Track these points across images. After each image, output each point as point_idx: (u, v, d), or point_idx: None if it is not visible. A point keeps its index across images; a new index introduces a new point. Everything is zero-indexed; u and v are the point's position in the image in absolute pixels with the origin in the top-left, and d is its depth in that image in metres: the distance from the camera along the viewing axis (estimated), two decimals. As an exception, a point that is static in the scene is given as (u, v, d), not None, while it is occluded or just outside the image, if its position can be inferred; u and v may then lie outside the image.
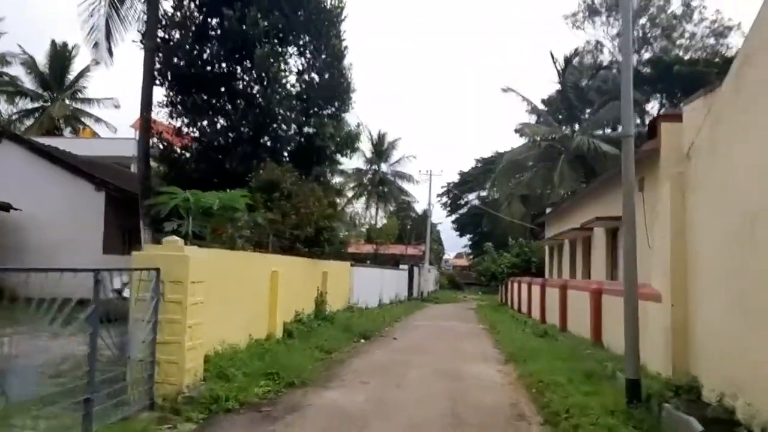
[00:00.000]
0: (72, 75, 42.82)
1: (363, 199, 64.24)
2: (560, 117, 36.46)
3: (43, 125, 41.05)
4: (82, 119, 43.93)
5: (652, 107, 41.61)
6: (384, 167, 69.63)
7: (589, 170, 35.23)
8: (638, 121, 39.87)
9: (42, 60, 41.17)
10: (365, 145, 69.45)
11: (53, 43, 41.36)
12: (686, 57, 40.76)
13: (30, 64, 41.20)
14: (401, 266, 35.22)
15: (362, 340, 14.47)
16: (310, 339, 12.72)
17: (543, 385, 9.15)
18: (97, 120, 43.98)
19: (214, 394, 7.70)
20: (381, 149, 68.64)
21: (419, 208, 63.87)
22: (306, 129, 18.06)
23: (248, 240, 11.23)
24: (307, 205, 14.77)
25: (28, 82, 42.00)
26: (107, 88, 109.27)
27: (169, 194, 10.42)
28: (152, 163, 17.59)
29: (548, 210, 31.75)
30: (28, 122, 41.89)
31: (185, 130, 17.20)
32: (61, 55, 41.93)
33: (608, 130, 36.39)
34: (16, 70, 41.26)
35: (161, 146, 17.40)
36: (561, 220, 27.73)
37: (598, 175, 29.91)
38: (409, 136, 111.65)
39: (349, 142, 18.62)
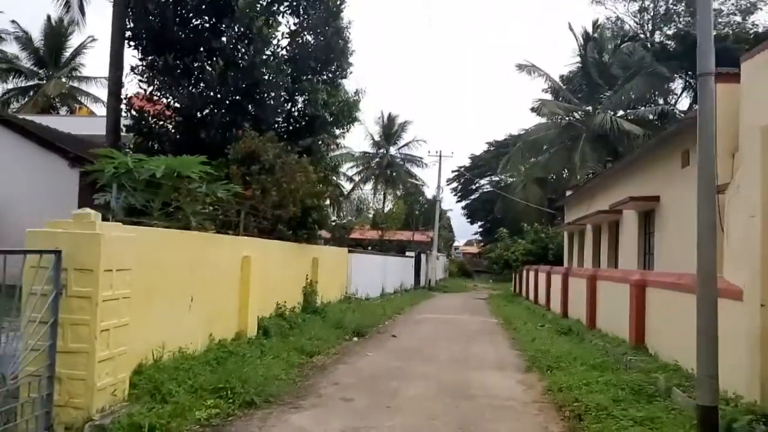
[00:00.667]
0: (68, 52, 40.82)
1: (371, 184, 62.14)
2: (580, 95, 33.82)
3: (38, 104, 39.13)
4: (79, 98, 41.96)
5: (676, 86, 38.85)
6: (393, 150, 67.35)
7: (611, 151, 32.72)
8: (661, 100, 37.24)
9: (37, 36, 39.20)
10: (373, 128, 67.42)
11: (48, 18, 39.24)
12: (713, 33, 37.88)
13: (24, 41, 39.23)
14: (407, 253, 33.02)
15: (355, 338, 12.32)
16: (291, 338, 10.59)
17: (580, 407, 6.95)
18: (95, 99, 41.97)
19: (135, 422, 5.59)
20: (390, 132, 66.23)
21: (428, 193, 61.60)
22: (297, 96, 15.85)
23: (211, 218, 9.05)
24: (292, 180, 12.57)
25: (23, 60, 40.12)
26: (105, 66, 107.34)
27: (106, 159, 8.27)
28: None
29: (568, 193, 29.36)
30: (24, 101, 40.04)
31: (159, 96, 14.98)
32: (56, 32, 39.74)
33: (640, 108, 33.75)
34: (11, 48, 39.36)
35: (132, 114, 15.22)
36: (583, 203, 25.34)
37: (621, 156, 27.45)
38: (419, 119, 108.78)
39: (346, 111, 16.37)
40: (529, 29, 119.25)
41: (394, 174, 65.35)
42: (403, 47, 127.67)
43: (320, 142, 16.28)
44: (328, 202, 16.98)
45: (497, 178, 65.48)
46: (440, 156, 37.70)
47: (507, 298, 29.59)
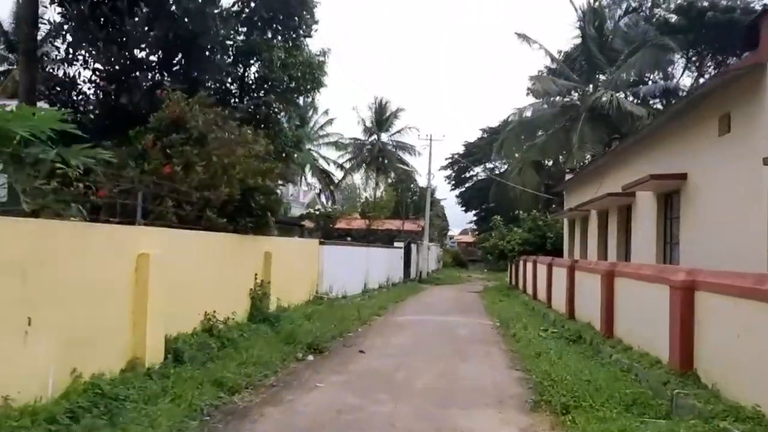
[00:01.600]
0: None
1: (361, 172, 59.03)
2: (580, 74, 30.88)
3: (8, 89, 36.11)
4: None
5: (678, 65, 35.92)
6: (384, 137, 64.38)
7: (612, 131, 29.88)
8: (662, 81, 34.33)
9: (7, 19, 36.00)
10: (364, 113, 64.39)
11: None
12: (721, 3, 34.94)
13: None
14: (396, 244, 30.21)
15: (310, 356, 9.46)
16: (214, 363, 7.75)
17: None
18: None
19: None
20: (382, 118, 63.26)
21: (420, 181, 58.72)
22: (250, 58, 12.92)
23: (72, 201, 6.16)
24: (229, 154, 9.69)
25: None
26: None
27: None
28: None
29: (567, 176, 26.55)
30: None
31: (74, 55, 12.02)
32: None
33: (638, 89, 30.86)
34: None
35: (45, 79, 12.27)
36: (586, 187, 22.52)
37: (624, 136, 24.66)
38: (412, 106, 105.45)
39: (309, 75, 13.44)
40: (528, 7, 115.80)
41: (386, 161, 62.42)
42: (396, 34, 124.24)
43: (278, 111, 13.36)
44: (287, 184, 14.11)
45: (491, 165, 62.72)
46: (431, 139, 34.92)
47: (503, 292, 26.84)
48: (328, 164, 63.72)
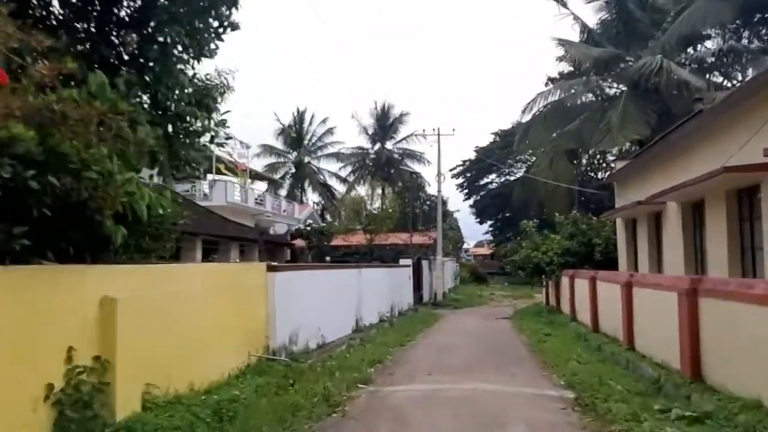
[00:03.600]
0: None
1: (366, 185, 52.89)
2: (616, 42, 24.79)
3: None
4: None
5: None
6: (389, 145, 58.59)
7: (661, 109, 23.73)
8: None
9: None
10: (366, 120, 58.61)
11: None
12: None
13: None
14: (402, 261, 24.10)
15: None
16: None
17: None
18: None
19: None
20: (386, 125, 57.53)
21: (431, 190, 52.63)
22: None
23: None
24: None
25: None
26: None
27: None
28: None
29: (617, 165, 20.37)
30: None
31: None
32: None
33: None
34: None
35: None
36: (652, 175, 16.41)
37: (676, 116, 18.60)
38: (418, 110, 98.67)
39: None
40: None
41: (392, 171, 56.59)
42: (400, 35, 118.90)
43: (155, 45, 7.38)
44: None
45: (513, 162, 56.64)
46: (438, 134, 28.93)
47: (542, 316, 20.57)
48: (329, 177, 58.15)
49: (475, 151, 63.78)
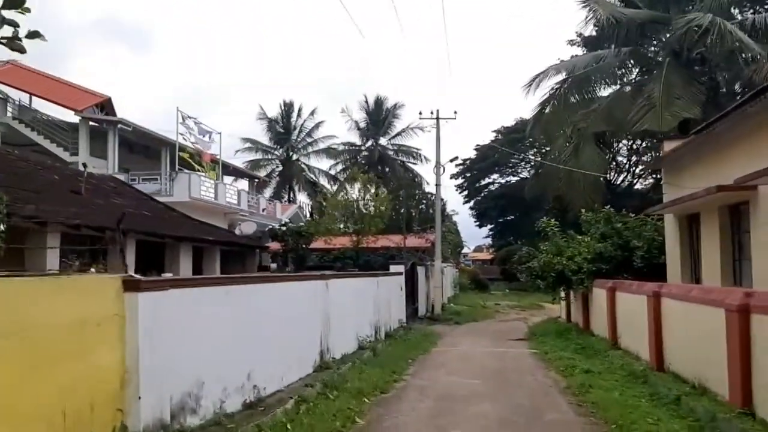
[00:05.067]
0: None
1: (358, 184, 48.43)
2: (652, 1, 20.34)
3: None
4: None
5: None
6: (383, 141, 54.05)
7: (709, 84, 19.30)
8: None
9: None
10: (358, 114, 54.11)
11: None
12: None
13: None
14: (393, 268, 19.50)
15: None
16: None
17: None
18: None
19: None
20: (379, 119, 53.01)
21: (429, 188, 48.01)
22: None
23: None
24: None
25: None
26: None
27: None
28: None
29: (666, 147, 15.86)
30: None
31: None
32: None
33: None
34: None
35: None
36: (730, 152, 11.89)
37: (732, 91, 14.17)
38: (413, 104, 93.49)
39: None
40: None
41: (387, 170, 52.05)
42: (395, 25, 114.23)
43: None
44: None
45: (515, 160, 52.23)
46: (438, 118, 24.27)
47: (569, 340, 15.95)
48: (319, 176, 53.50)
49: (476, 149, 59.39)
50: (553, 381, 10.75)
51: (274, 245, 24.75)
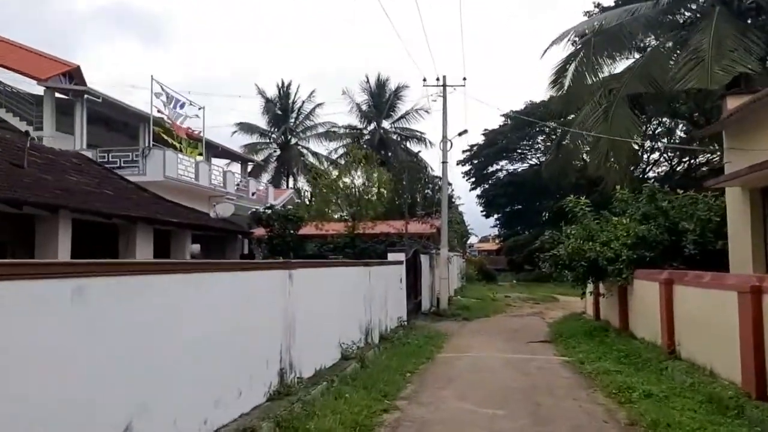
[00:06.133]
0: None
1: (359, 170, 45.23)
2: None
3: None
4: None
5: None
6: (386, 124, 50.76)
7: (766, 35, 15.94)
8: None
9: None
10: (360, 96, 50.81)
11: None
12: None
13: None
14: (392, 256, 16.37)
15: None
16: None
17: None
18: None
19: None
20: (381, 101, 49.63)
21: (433, 175, 44.71)
22: None
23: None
24: None
25: None
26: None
27: None
28: None
29: (729, 103, 12.60)
30: None
31: None
32: None
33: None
34: None
35: None
36: None
37: None
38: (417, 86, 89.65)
39: None
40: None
41: (390, 155, 48.78)
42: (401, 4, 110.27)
43: None
44: None
45: (525, 144, 48.99)
46: (444, 85, 21.00)
47: (603, 343, 12.78)
48: (318, 160, 50.26)
49: (484, 134, 56.08)
50: (605, 411, 7.61)
51: (261, 232, 21.69)
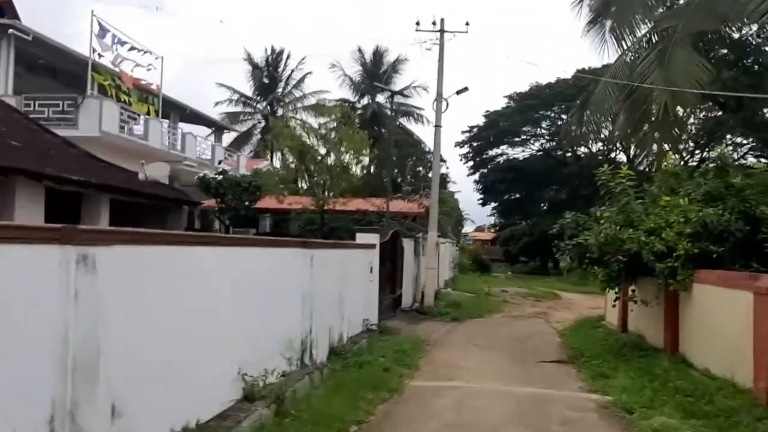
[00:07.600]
0: None
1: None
2: None
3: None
4: None
5: None
6: (381, 99, 46.35)
7: None
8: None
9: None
10: (352, 68, 46.42)
11: None
12: None
13: None
14: (360, 238, 12.25)
15: None
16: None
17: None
18: None
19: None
20: (378, 72, 45.26)
21: (428, 150, 40.45)
22: None
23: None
24: None
25: None
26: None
27: None
28: None
29: None
30: None
31: None
32: None
33: None
34: None
35: None
36: None
37: None
38: (419, 59, 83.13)
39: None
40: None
41: (383, 131, 44.46)
42: None
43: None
44: None
45: (529, 129, 44.79)
46: (442, 31, 16.71)
47: (647, 374, 8.70)
48: (309, 136, 45.91)
49: (485, 116, 51.76)
50: None
51: (210, 203, 17.56)
